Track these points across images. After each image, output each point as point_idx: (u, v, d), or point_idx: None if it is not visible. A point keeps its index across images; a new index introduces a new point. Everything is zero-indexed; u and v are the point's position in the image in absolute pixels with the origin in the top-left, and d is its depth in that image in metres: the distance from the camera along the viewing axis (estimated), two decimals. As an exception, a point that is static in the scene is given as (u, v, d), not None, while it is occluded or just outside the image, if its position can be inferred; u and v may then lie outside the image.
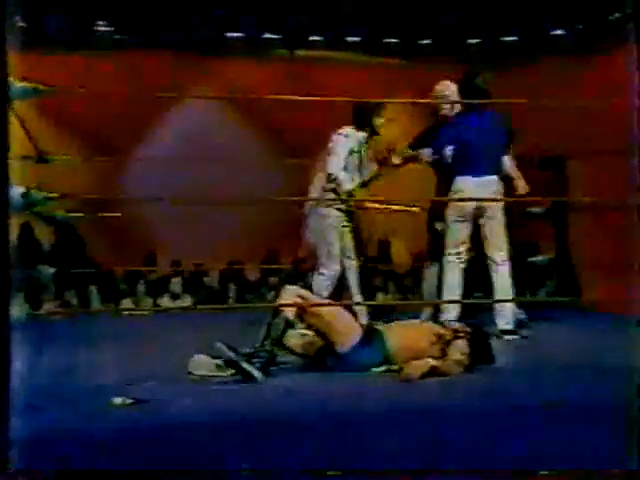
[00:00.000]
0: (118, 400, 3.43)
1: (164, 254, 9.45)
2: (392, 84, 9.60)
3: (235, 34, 9.76)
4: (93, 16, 9.05)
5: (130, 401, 3.43)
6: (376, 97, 7.65)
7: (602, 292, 7.69)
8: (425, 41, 9.96)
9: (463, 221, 5.69)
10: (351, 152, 5.91)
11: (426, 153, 6.09)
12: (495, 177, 5.71)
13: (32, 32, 7.75)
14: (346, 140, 5.90)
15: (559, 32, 9.16)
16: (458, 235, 5.71)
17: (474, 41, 9.87)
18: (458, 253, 5.71)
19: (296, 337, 4.32)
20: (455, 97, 6.03)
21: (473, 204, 5.67)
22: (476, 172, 5.62)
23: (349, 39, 9.94)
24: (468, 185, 5.62)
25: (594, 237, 8.33)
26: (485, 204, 5.60)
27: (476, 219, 5.72)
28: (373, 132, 5.99)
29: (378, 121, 5.96)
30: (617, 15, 8.02)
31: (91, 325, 6.53)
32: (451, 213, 5.74)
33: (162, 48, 9.32)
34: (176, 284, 9.28)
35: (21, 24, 8.39)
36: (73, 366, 4.57)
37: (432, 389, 3.90)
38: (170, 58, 9.39)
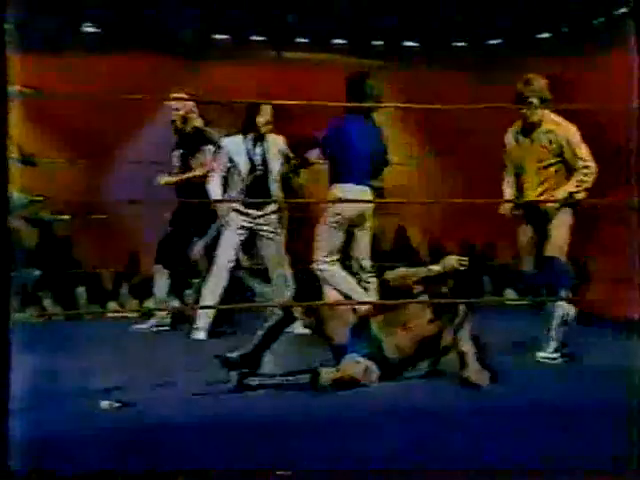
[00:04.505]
0: (105, 404, 3.42)
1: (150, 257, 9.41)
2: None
3: (221, 36, 9.77)
4: (79, 18, 9.03)
5: (117, 405, 3.41)
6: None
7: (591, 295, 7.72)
8: (411, 43, 10.01)
9: (339, 229, 5.35)
10: (231, 161, 5.81)
11: (314, 155, 5.78)
12: (368, 189, 5.38)
13: (19, 34, 7.76)
14: (221, 152, 5.85)
15: (544, 35, 9.23)
16: (335, 242, 5.36)
17: (460, 44, 9.93)
18: (332, 260, 5.37)
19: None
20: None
21: (361, 213, 5.36)
22: (355, 180, 5.30)
23: (335, 41, 9.98)
24: (346, 194, 5.28)
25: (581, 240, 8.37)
26: (366, 214, 5.38)
27: (350, 228, 5.41)
28: (257, 133, 5.82)
29: (260, 120, 5.80)
30: (601, 19, 8.07)
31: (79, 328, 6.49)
32: (334, 220, 5.33)
33: (148, 50, 9.31)
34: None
35: (8, 26, 8.46)
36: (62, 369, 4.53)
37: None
38: (156, 60, 9.38)
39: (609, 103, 5.87)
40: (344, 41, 10.04)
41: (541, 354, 4.83)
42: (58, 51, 9.09)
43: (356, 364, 4.03)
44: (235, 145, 5.85)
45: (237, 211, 5.81)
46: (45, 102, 7.41)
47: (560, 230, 4.99)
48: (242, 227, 5.81)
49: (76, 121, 9.01)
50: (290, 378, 3.93)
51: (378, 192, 5.67)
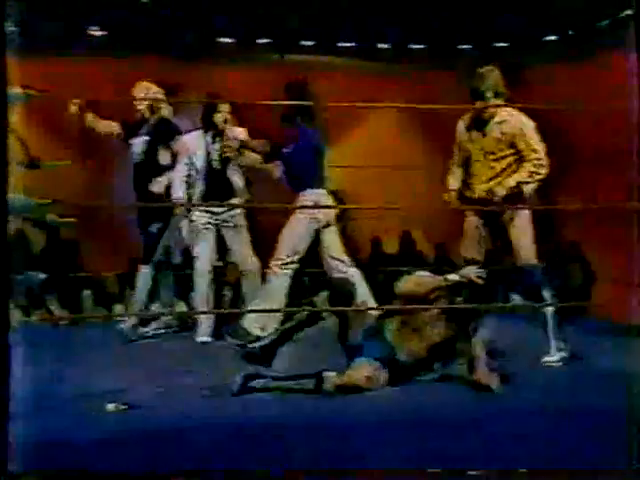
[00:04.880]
0: (111, 406, 3.42)
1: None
2: (381, 89, 9.63)
3: (226, 39, 9.78)
4: (83, 21, 9.05)
5: (123, 407, 3.42)
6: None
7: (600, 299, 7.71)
8: (417, 46, 10.00)
9: (311, 232, 5.48)
10: (190, 158, 5.84)
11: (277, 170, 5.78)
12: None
13: (22, 37, 7.78)
14: (181, 151, 5.88)
15: (550, 38, 9.23)
16: (303, 244, 5.47)
17: (466, 47, 9.92)
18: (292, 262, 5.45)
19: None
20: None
21: (330, 214, 5.52)
22: (322, 185, 5.54)
23: (340, 44, 9.98)
24: (321, 199, 5.48)
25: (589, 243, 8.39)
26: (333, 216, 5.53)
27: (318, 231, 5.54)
28: (216, 130, 5.86)
29: (217, 118, 5.84)
30: (606, 22, 8.06)
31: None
32: (310, 221, 5.46)
33: (152, 53, 9.32)
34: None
35: (12, 29, 8.47)
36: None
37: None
38: (160, 63, 9.39)
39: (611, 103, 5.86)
40: (349, 44, 10.04)
41: (545, 358, 4.82)
42: (64, 54, 9.10)
43: (359, 372, 4.03)
44: (194, 141, 5.89)
45: (201, 210, 5.85)
46: (51, 104, 7.41)
47: (525, 236, 4.95)
48: (208, 223, 5.84)
49: (83, 123, 9.03)
50: (295, 382, 3.94)
51: (335, 195, 5.78)
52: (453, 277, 4.34)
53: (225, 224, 5.89)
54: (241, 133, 5.91)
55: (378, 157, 9.41)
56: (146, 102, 6.03)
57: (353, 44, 10.01)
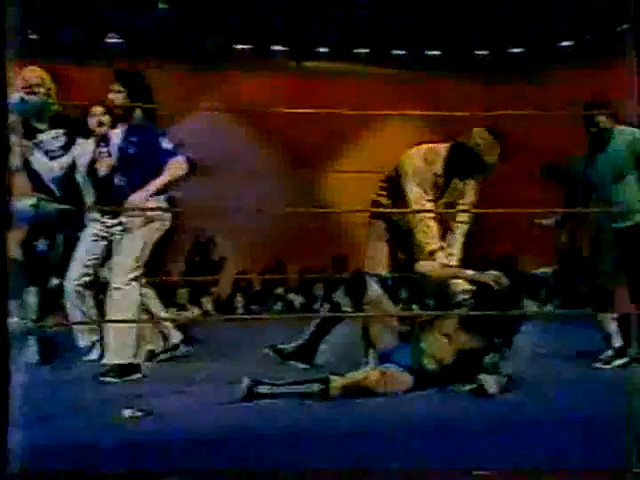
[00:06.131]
0: (127, 412, 3.41)
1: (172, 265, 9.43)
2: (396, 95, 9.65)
3: (243, 46, 9.82)
4: (103, 29, 9.10)
5: (139, 413, 3.41)
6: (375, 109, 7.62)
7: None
8: (432, 53, 10.02)
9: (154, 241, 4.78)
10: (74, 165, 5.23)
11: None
12: None
13: (44, 44, 7.80)
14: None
15: (566, 43, 9.22)
16: (146, 255, 4.72)
17: (482, 53, 9.93)
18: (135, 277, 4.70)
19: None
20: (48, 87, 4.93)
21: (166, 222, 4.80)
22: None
23: (356, 51, 10.00)
24: (163, 204, 4.76)
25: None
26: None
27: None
28: (94, 134, 5.25)
29: (90, 122, 5.22)
30: (625, 26, 8.03)
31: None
32: (158, 227, 4.69)
33: (171, 60, 9.36)
34: (183, 295, 9.23)
35: (34, 36, 8.47)
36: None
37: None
38: (178, 70, 9.44)
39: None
40: (364, 50, 10.06)
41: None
42: (82, 61, 9.15)
43: (368, 373, 3.97)
44: (82, 150, 5.29)
45: (94, 220, 5.28)
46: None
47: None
48: (96, 236, 5.28)
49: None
50: (300, 387, 3.89)
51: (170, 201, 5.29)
52: (470, 272, 4.17)
53: (115, 237, 5.14)
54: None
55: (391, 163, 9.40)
56: (42, 90, 4.98)
57: (368, 50, 10.02)
